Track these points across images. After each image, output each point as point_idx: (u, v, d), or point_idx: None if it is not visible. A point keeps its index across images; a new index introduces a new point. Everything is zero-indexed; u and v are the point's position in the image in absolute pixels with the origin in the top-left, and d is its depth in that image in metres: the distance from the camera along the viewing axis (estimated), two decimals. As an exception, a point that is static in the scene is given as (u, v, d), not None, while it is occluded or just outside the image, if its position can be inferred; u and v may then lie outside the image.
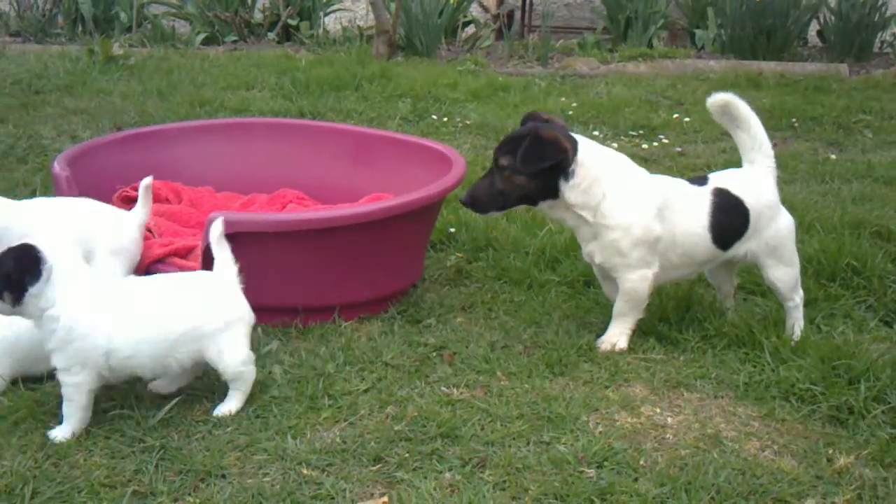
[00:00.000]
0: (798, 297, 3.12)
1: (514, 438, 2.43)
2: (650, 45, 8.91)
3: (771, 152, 3.10)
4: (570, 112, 6.37)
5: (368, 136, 3.98)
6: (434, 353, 2.91)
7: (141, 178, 3.79)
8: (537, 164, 2.77)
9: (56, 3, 9.61)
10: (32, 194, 4.37)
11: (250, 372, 2.58)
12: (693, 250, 2.97)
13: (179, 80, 7.04)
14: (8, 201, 3.06)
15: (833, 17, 8.49)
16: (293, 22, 9.16)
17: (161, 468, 2.31)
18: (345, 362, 2.82)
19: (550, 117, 2.98)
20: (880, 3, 8.31)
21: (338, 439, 2.42)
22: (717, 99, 3.06)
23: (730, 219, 2.97)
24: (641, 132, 5.99)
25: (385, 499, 2.16)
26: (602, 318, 3.16)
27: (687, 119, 6.23)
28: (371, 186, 3.67)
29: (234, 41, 9.01)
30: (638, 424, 2.52)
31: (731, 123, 3.08)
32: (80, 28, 9.45)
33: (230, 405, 2.56)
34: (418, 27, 8.47)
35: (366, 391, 2.67)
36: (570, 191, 2.83)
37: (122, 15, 9.40)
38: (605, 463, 2.32)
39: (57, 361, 2.43)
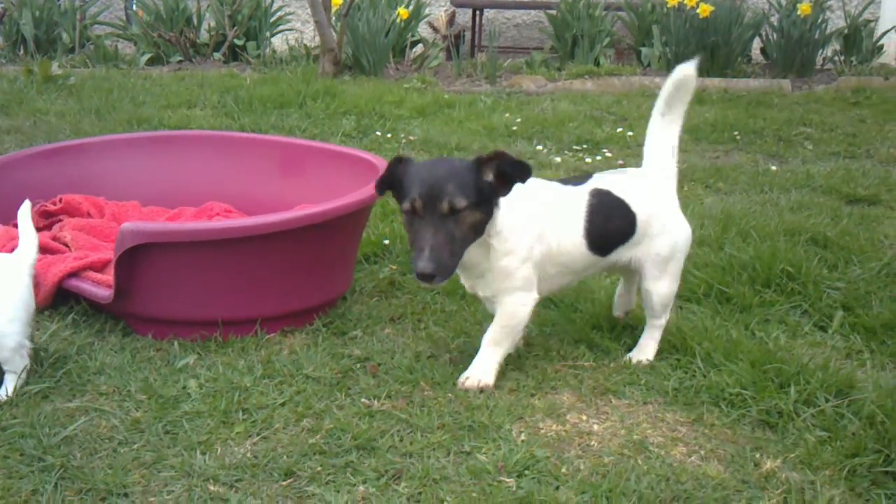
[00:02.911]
0: (665, 319, 2.91)
1: (433, 449, 2.34)
2: (597, 63, 8.98)
3: (675, 158, 2.89)
4: (515, 127, 6.35)
5: (296, 147, 3.89)
6: (358, 365, 2.81)
7: (61, 193, 3.69)
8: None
9: (-4, 24, 9.44)
10: (-47, 212, 4.23)
11: (21, 359, 2.65)
12: (570, 259, 2.73)
13: (119, 99, 6.92)
14: None
15: (775, 35, 8.61)
16: (240, 42, 9.08)
17: (60, 487, 2.18)
18: (263, 375, 2.72)
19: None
20: (821, 20, 8.45)
21: (249, 454, 2.31)
22: (682, 73, 2.80)
23: (609, 223, 2.74)
24: (585, 146, 5.98)
25: (292, 514, 2.05)
26: (534, 327, 3.10)
27: (630, 133, 6.24)
28: (300, 197, 3.58)
29: (180, 61, 8.90)
30: (563, 432, 2.45)
31: (668, 110, 2.85)
32: (21, 49, 9.28)
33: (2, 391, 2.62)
34: (365, 46, 8.43)
35: (283, 404, 2.56)
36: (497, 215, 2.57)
37: (65, 36, 9.25)
38: (526, 472, 2.24)
39: None
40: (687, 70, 2.83)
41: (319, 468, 2.24)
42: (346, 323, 3.12)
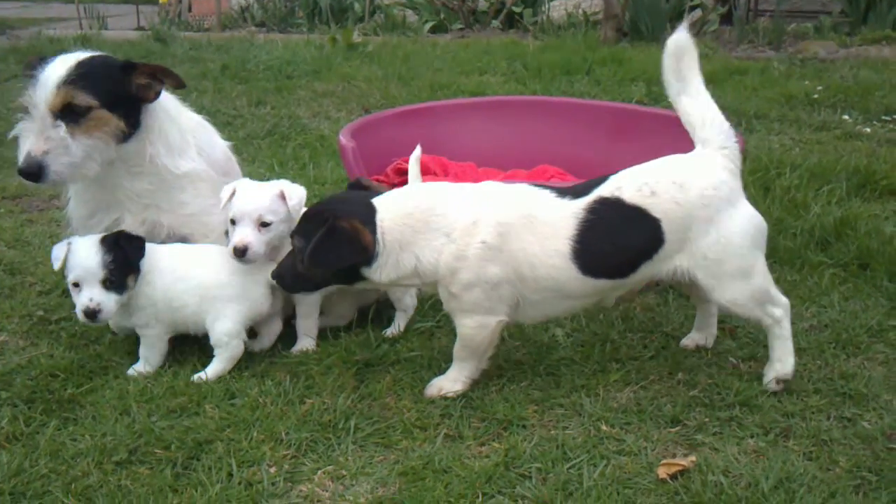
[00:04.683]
0: (778, 311, 2.45)
1: (813, 412, 2.40)
2: (895, 28, 8.38)
3: (723, 130, 2.47)
4: (816, 95, 6.10)
5: (625, 111, 4.00)
6: (714, 327, 2.91)
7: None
8: (332, 264, 2.46)
9: (295, -5, 10.30)
10: (302, 168, 4.75)
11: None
12: (558, 285, 2.43)
13: (416, 66, 7.35)
14: None
15: None
16: (517, 9, 9.32)
17: (465, 415, 2.46)
18: (626, 330, 2.88)
19: (371, 185, 2.62)
20: None
21: (632, 400, 2.48)
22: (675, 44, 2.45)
23: (614, 240, 2.40)
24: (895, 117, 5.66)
25: (693, 458, 2.19)
26: (884, 301, 3.04)
27: (949, 104, 5.82)
28: (628, 162, 3.68)
29: (461, 28, 9.28)
30: (948, 409, 2.42)
31: (683, 85, 2.51)
32: (316, 18, 10.07)
33: (208, 370, 2.69)
34: (644, 12, 8.38)
35: (651, 358, 2.71)
36: (377, 272, 2.49)
37: (356, 5, 9.92)
38: (918, 443, 2.25)
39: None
40: (679, 39, 2.51)
41: (706, 419, 2.37)
42: (691, 286, 3.21)
